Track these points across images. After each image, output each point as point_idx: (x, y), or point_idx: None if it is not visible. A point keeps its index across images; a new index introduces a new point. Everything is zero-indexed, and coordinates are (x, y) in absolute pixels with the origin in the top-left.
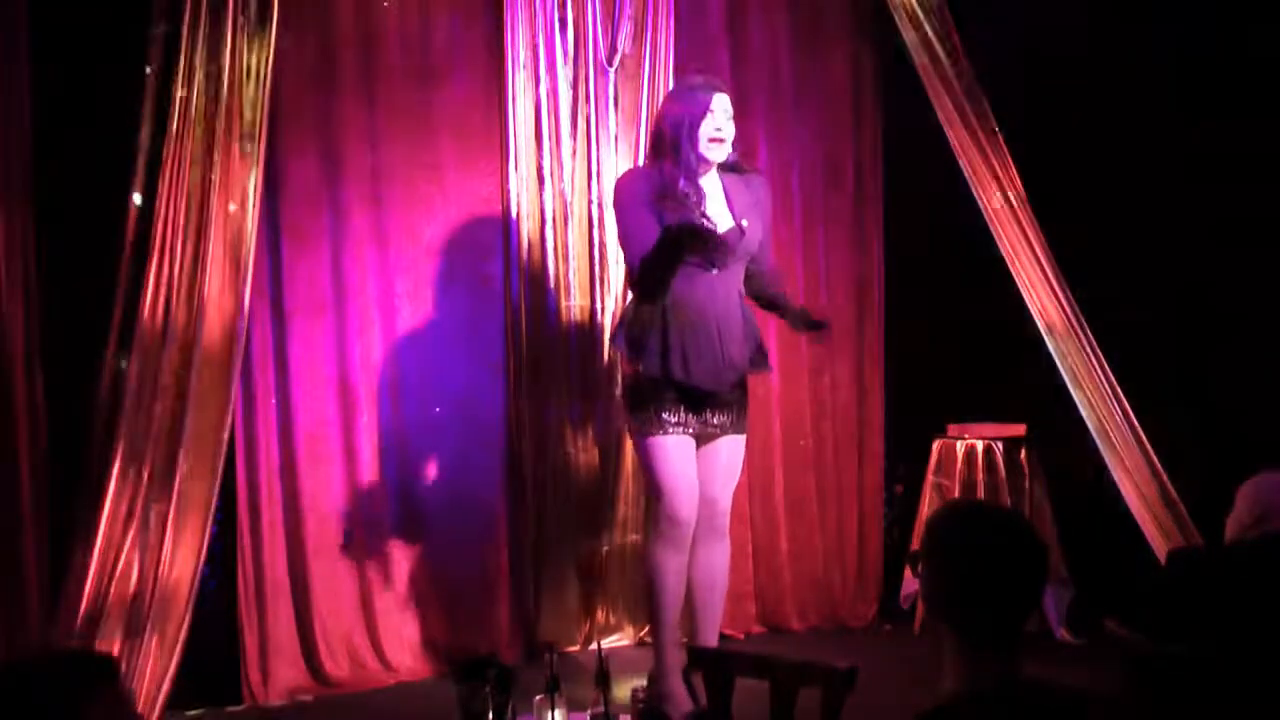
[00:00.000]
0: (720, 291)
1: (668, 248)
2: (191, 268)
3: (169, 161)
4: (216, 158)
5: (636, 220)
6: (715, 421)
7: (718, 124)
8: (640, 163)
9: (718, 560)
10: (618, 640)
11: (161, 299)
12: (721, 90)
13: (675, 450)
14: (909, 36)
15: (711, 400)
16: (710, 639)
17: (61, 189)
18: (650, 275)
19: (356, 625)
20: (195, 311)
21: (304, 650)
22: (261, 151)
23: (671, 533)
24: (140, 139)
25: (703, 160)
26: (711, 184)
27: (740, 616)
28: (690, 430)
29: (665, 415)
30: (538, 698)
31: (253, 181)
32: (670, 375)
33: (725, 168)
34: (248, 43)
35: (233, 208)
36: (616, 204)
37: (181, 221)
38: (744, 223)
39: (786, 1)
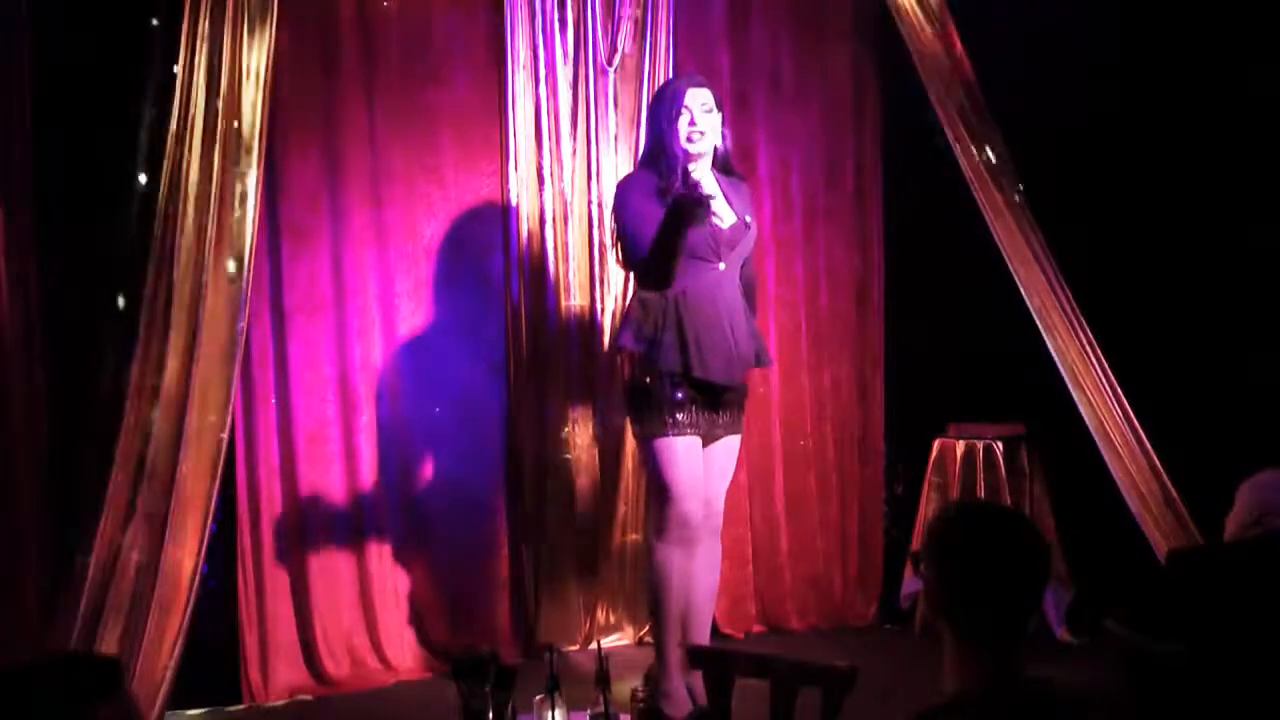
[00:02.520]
0: (727, 286)
1: (677, 217)
2: (191, 267)
3: (169, 161)
4: (216, 157)
5: (639, 213)
6: (721, 421)
7: (693, 119)
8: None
9: (712, 559)
10: (618, 640)
11: (161, 299)
12: (696, 85)
13: (684, 451)
14: (909, 36)
15: (719, 398)
16: (703, 637)
17: (61, 189)
18: (663, 255)
19: (356, 625)
20: (195, 311)
21: (304, 650)
22: (261, 151)
23: (679, 534)
24: (140, 139)
25: (688, 155)
26: (708, 180)
27: (740, 616)
28: (699, 430)
29: (677, 416)
30: (538, 698)
31: (253, 181)
32: (689, 369)
33: (718, 166)
34: (248, 43)
35: (233, 207)
36: (617, 203)
37: (181, 221)
38: (748, 218)
39: (787, 1)
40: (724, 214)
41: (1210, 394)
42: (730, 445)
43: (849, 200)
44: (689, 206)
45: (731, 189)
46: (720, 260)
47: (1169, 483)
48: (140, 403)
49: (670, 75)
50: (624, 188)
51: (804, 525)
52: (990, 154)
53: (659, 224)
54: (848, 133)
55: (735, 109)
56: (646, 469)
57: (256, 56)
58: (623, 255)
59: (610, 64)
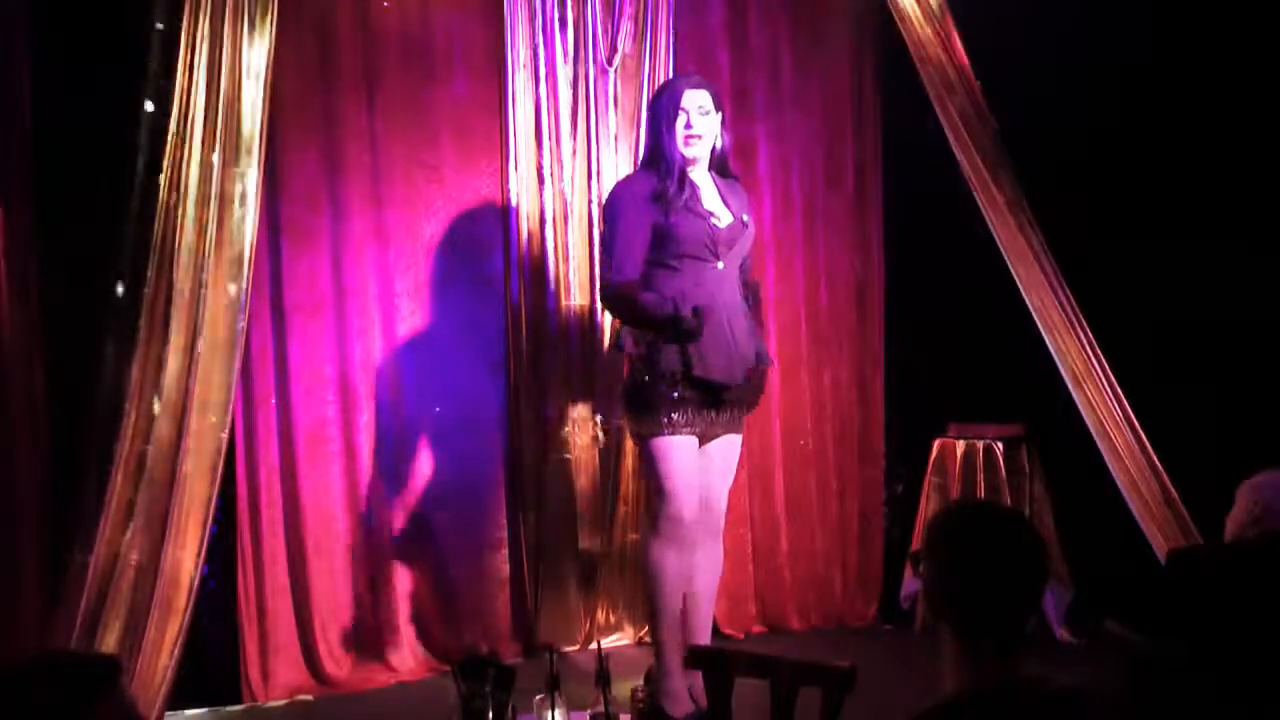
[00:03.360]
0: (726, 285)
1: (667, 326)
2: (191, 267)
3: (169, 161)
4: (216, 157)
5: (625, 233)
6: (721, 420)
7: (689, 123)
8: (637, 166)
9: (714, 561)
10: (618, 640)
11: (161, 299)
12: (696, 86)
13: (680, 450)
14: (909, 36)
15: (719, 397)
16: (704, 638)
17: (61, 189)
18: (627, 316)
19: (357, 625)
20: (195, 311)
21: (304, 650)
22: (262, 151)
23: (674, 532)
24: (140, 139)
25: (684, 160)
26: (705, 180)
27: (740, 616)
28: (695, 430)
29: (673, 415)
30: (538, 698)
31: (253, 181)
32: (689, 369)
33: (714, 167)
34: (248, 43)
35: (233, 207)
36: (608, 209)
37: (181, 221)
38: (745, 217)
39: (787, 2)
40: (721, 213)
41: (1210, 394)
42: (730, 444)
43: (849, 200)
44: (681, 332)
45: (728, 189)
46: (718, 260)
47: (1169, 483)
48: (140, 403)
49: (670, 75)
50: (618, 195)
51: (804, 525)
52: (990, 153)
53: (654, 312)
54: (848, 133)
55: (735, 109)
56: (643, 468)
57: (256, 56)
58: (600, 263)
59: (610, 64)
